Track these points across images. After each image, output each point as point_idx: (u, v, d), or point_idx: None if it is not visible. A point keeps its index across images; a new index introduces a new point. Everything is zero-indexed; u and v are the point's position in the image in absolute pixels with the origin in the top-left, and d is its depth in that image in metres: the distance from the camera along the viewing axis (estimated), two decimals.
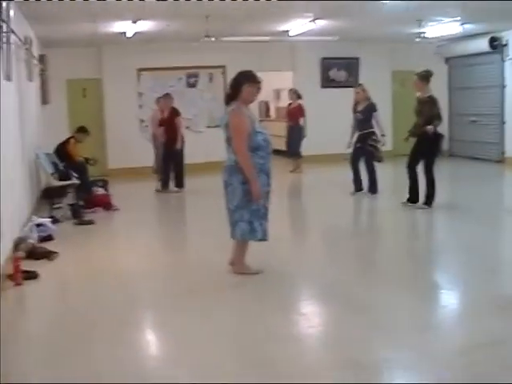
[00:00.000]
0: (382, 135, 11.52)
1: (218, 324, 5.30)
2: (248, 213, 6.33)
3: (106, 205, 10.76)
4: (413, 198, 10.04)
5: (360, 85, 12.28)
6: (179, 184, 12.83)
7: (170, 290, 6.34)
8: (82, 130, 11.88)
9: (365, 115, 11.52)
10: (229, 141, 6.33)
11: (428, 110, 9.74)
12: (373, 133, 11.48)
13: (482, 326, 5.10)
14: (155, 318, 5.69)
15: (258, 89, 6.44)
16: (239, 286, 6.34)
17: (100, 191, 11.15)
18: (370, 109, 11.53)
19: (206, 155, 15.07)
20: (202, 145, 15.25)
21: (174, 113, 12.80)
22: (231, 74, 6.67)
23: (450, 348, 4.69)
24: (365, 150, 11.55)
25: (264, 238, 6.49)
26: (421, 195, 9.97)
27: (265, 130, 6.54)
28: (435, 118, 9.73)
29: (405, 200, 10.12)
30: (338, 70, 17.62)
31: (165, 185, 12.83)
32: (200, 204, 11.31)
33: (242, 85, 6.31)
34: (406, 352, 4.64)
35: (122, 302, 5.93)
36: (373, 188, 11.61)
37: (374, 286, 6.31)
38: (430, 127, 9.57)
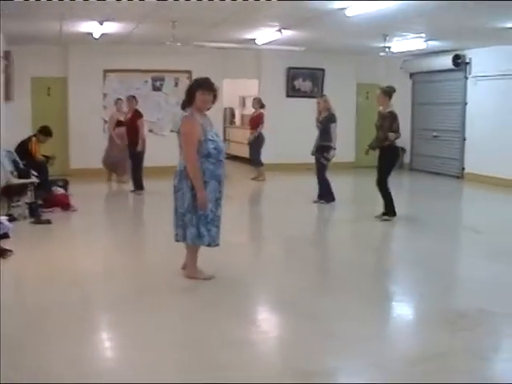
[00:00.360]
0: (333, 148, 11.60)
1: (170, 327, 5.31)
2: (196, 218, 6.35)
3: (65, 205, 10.69)
4: (392, 212, 10.18)
5: (322, 95, 12.37)
6: (137, 186, 12.83)
7: (124, 291, 6.31)
8: (45, 131, 11.84)
9: (323, 125, 11.63)
10: (181, 146, 6.37)
11: (388, 124, 9.88)
12: (329, 146, 11.57)
13: (432, 337, 5.18)
14: (108, 319, 5.66)
15: (214, 97, 6.46)
16: (192, 289, 6.34)
17: (59, 191, 11.07)
18: (329, 119, 11.63)
19: (168, 159, 14.94)
20: (165, 148, 15.13)
21: (137, 115, 12.82)
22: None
23: (398, 358, 4.75)
24: (318, 161, 11.69)
25: (212, 244, 6.50)
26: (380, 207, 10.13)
27: (218, 137, 6.56)
28: (395, 133, 9.89)
29: (379, 214, 10.23)
30: (304, 80, 17.73)
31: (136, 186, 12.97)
32: (158, 206, 11.25)
33: (196, 92, 6.35)
34: (355, 360, 4.70)
35: (76, 302, 5.90)
36: (327, 197, 11.73)
37: (328, 294, 6.37)
38: (391, 134, 9.73)
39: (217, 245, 6.55)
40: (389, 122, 9.88)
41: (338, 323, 5.50)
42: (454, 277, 7.46)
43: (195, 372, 4.44)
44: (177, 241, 6.59)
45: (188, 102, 6.40)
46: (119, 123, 13.87)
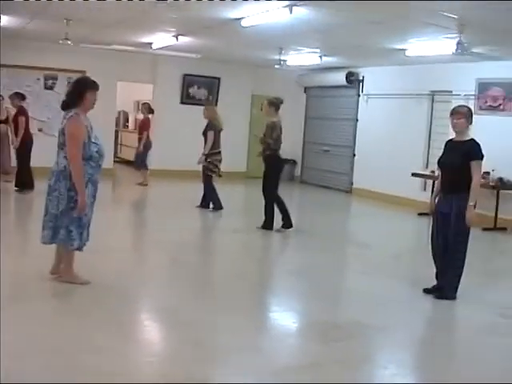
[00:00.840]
0: (204, 154, 11.71)
1: (37, 332, 5.13)
2: (68, 220, 6.21)
3: None
4: (287, 224, 10.23)
5: (210, 104, 12.47)
6: (22, 185, 12.51)
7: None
8: None
9: (204, 133, 11.75)
10: (61, 146, 6.22)
11: (268, 133, 10.06)
12: (214, 153, 11.68)
13: (304, 348, 5.24)
14: None
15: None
16: (65, 294, 6.20)
17: None
18: (207, 127, 11.81)
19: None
20: (56, 149, 14.76)
21: (19, 112, 12.58)
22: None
23: (269, 368, 4.74)
24: (204, 168, 11.81)
25: (81, 248, 6.39)
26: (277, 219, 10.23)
27: (99, 141, 6.42)
28: (273, 142, 10.08)
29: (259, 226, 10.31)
30: (199, 88, 17.67)
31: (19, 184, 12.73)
32: (40, 207, 10.92)
33: (86, 92, 6.27)
34: (224, 370, 4.67)
35: None
36: (215, 204, 11.85)
37: (203, 304, 6.31)
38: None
39: (82, 250, 6.42)
40: (269, 130, 10.06)
41: (209, 333, 5.46)
42: (334, 289, 7.54)
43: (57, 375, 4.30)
44: (43, 243, 6.40)
45: (74, 103, 6.25)
46: None
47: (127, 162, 18.85)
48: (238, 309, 6.24)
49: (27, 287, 6.41)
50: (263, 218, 10.28)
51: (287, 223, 10.19)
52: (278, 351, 5.21)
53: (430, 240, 7.14)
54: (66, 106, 6.30)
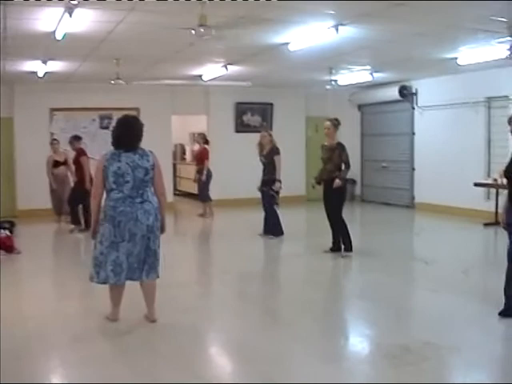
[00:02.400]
0: (278, 180, 11.56)
1: (106, 371, 5.13)
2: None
3: (8, 247, 10.44)
4: (338, 247, 10.11)
5: (266, 129, 12.42)
6: (88, 225, 12.64)
7: (64, 336, 6.11)
8: None
9: (268, 159, 11.60)
10: (148, 184, 6.28)
11: (337, 156, 9.87)
12: (275, 179, 11.55)
13: (377, 375, 5.11)
14: (43, 368, 5.45)
15: None
16: (128, 332, 6.21)
17: (3, 233, 10.79)
18: (273, 152, 11.60)
19: None
20: None
21: (80, 153, 12.76)
22: (145, 117, 6.61)
23: None
24: (266, 194, 11.66)
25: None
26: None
27: None
28: (345, 165, 9.90)
29: (327, 248, 10.19)
30: (252, 115, 17.74)
31: (75, 224, 12.85)
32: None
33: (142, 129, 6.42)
34: None
35: (14, 349, 5.68)
36: (275, 231, 11.69)
37: (271, 335, 6.23)
38: (337, 181, 9.71)
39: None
40: (338, 153, 9.88)
41: (280, 365, 5.36)
42: (401, 310, 7.37)
43: None
44: (146, 281, 6.47)
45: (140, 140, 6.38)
46: (56, 164, 13.75)
47: (187, 195, 18.96)
48: (307, 338, 6.15)
49: (96, 326, 6.41)
50: (328, 241, 10.14)
51: (349, 246, 10.04)
52: (352, 380, 5.09)
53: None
54: (137, 144, 6.33)
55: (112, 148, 6.32)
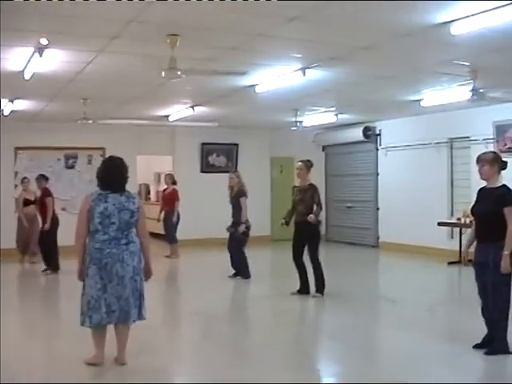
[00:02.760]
0: (242, 223, 11.58)
1: None
2: None
3: None
4: (305, 289, 10.06)
5: (235, 171, 12.45)
6: (49, 265, 12.56)
7: (33, 379, 6.01)
8: None
9: (234, 201, 11.67)
10: (132, 225, 6.24)
11: (309, 197, 9.86)
12: (240, 221, 11.58)
13: None
14: None
15: None
16: (97, 377, 6.12)
17: None
18: (239, 194, 11.66)
19: None
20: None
21: (45, 193, 12.69)
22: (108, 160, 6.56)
23: None
24: (234, 236, 11.69)
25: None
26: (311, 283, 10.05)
27: None
28: (317, 206, 9.87)
29: (295, 291, 10.09)
30: (218, 156, 17.84)
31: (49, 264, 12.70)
32: (71, 288, 10.90)
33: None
34: None
35: None
36: (245, 273, 11.67)
37: (240, 377, 6.15)
38: (311, 216, 9.69)
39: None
40: (310, 194, 9.86)
41: None
42: (370, 350, 7.41)
43: None
44: (130, 323, 6.39)
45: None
46: (27, 202, 13.65)
47: (151, 235, 18.83)
48: (277, 378, 6.13)
49: (63, 371, 6.33)
50: (295, 283, 10.12)
51: (321, 288, 9.99)
52: None
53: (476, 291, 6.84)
54: (123, 186, 6.31)
55: (97, 189, 6.29)
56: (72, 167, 16.30)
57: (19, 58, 8.26)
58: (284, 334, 8.06)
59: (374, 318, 9.20)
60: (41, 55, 7.70)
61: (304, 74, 9.15)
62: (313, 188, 9.96)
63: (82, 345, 6.65)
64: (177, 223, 14.95)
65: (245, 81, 10.02)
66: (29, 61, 8.26)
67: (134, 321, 6.33)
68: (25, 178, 14.14)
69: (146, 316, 6.43)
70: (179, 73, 7.44)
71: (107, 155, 14.82)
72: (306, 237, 9.91)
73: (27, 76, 9.00)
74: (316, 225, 9.94)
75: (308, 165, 10.11)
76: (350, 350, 7.12)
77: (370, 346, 7.56)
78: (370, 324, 8.62)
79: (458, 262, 13.04)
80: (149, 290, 9.49)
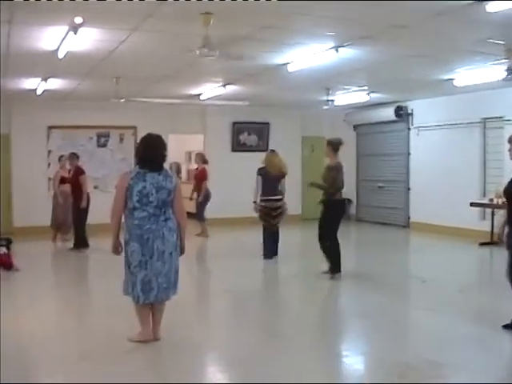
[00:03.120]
0: (253, 201, 11.68)
1: None
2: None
3: (7, 265, 10.45)
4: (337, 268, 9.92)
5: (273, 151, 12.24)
6: (80, 243, 12.67)
7: (67, 355, 6.10)
8: None
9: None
10: (170, 204, 6.29)
11: (326, 177, 9.78)
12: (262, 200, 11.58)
13: None
14: None
15: None
16: (134, 352, 6.19)
17: (1, 250, 10.79)
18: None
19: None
20: (110, 205, 14.81)
21: (78, 171, 12.77)
22: (142, 135, 6.58)
23: None
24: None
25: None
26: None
27: None
28: (337, 185, 9.77)
29: (325, 270, 10.00)
30: (249, 135, 17.85)
31: (77, 243, 12.79)
32: (103, 264, 11.05)
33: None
34: None
35: (16, 369, 5.69)
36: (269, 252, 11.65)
37: (271, 353, 6.25)
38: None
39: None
40: (326, 173, 9.80)
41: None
42: (401, 328, 7.44)
43: None
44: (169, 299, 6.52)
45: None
46: (63, 180, 13.72)
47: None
48: (309, 356, 6.20)
49: (101, 345, 6.41)
50: (325, 262, 10.06)
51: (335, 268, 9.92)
52: None
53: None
54: (162, 165, 6.36)
55: (136, 166, 6.41)
56: (104, 146, 16.41)
57: (53, 37, 8.30)
58: (315, 313, 8.15)
59: (405, 297, 9.25)
60: (75, 33, 7.76)
61: (337, 52, 9.10)
62: (329, 168, 9.88)
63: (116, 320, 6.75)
64: (206, 202, 14.96)
65: (277, 59, 10.00)
66: (63, 40, 8.30)
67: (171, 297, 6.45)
68: (62, 156, 14.23)
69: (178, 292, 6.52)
70: (213, 51, 7.43)
71: (139, 134, 15.17)
72: (323, 215, 9.89)
73: (61, 55, 9.06)
74: (336, 205, 9.89)
75: (330, 142, 10.01)
76: (381, 329, 7.16)
77: (401, 325, 7.58)
78: (400, 303, 8.66)
79: (490, 243, 12.99)
80: (185, 267, 9.57)
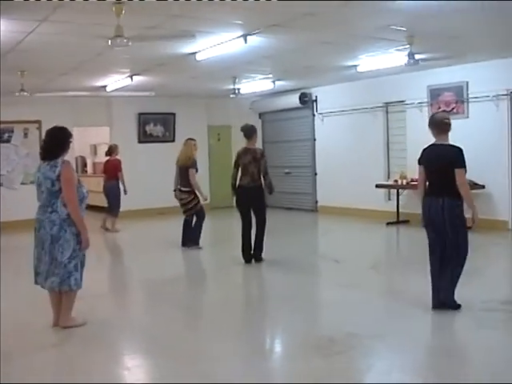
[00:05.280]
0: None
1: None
2: (79, 263, 6.44)
3: None
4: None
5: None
6: None
7: None
8: None
9: None
10: (57, 194, 6.30)
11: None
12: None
13: (308, 365, 5.34)
14: None
15: None
16: (61, 344, 6.21)
17: None
18: None
19: (21, 213, 14.39)
20: (18, 201, 14.57)
21: None
22: (46, 129, 6.68)
23: None
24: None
25: (81, 286, 6.59)
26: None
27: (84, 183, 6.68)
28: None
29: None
30: (155, 125, 17.82)
31: None
32: (17, 261, 10.90)
33: (69, 140, 6.54)
34: None
35: None
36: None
37: (195, 333, 6.47)
38: None
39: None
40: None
41: (208, 362, 5.51)
42: (320, 305, 7.76)
43: None
44: (51, 289, 6.49)
45: (58, 152, 6.40)
46: None
47: (89, 207, 18.65)
48: (231, 335, 6.38)
49: (25, 340, 6.36)
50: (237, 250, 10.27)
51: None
52: (283, 373, 5.34)
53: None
54: (51, 155, 6.40)
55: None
56: (7, 141, 16.01)
57: None
58: (235, 295, 8.30)
59: (321, 276, 9.59)
60: None
61: (246, 41, 9.24)
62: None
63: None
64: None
65: (186, 48, 10.04)
66: None
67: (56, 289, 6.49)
68: None
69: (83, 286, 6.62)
70: (125, 40, 7.43)
71: (43, 128, 14.93)
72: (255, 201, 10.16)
73: None
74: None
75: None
76: (301, 306, 7.41)
77: (319, 302, 7.95)
78: (316, 282, 9.06)
79: (396, 223, 13.49)
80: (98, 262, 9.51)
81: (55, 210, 6.34)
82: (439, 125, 6.78)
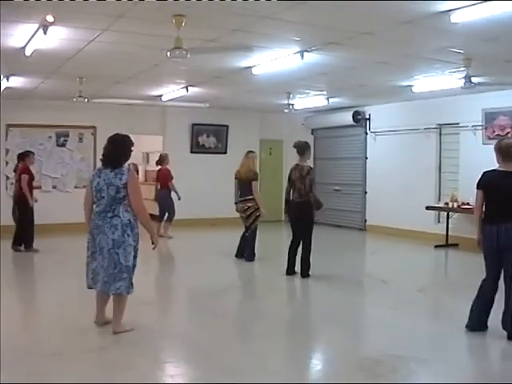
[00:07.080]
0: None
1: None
2: (132, 269, 6.57)
3: None
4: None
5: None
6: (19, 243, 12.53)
7: (41, 353, 6.11)
8: None
9: None
10: (121, 200, 6.42)
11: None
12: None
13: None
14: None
15: None
16: (105, 348, 6.26)
17: None
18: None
19: (74, 215, 14.53)
20: (70, 205, 14.74)
21: (22, 170, 12.46)
22: (101, 135, 6.79)
23: None
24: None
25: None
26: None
27: None
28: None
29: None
30: (208, 137, 17.94)
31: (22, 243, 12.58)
32: (62, 264, 11.07)
33: (131, 148, 6.69)
34: None
35: None
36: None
37: (241, 348, 6.45)
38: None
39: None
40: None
41: (255, 377, 5.50)
42: (367, 326, 7.66)
43: None
44: (118, 293, 6.56)
45: (122, 159, 6.54)
46: None
47: None
48: (275, 350, 6.37)
49: (71, 341, 6.43)
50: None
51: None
52: None
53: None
54: (115, 163, 6.50)
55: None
56: (63, 145, 16.29)
57: (22, 34, 8.28)
58: (283, 311, 8.28)
59: (368, 296, 9.42)
60: (45, 32, 7.74)
61: (302, 58, 9.29)
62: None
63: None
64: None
65: (243, 62, 10.14)
66: (31, 37, 8.30)
67: (127, 292, 6.60)
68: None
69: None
70: (184, 52, 7.53)
71: (98, 134, 15.21)
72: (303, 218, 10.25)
73: (28, 52, 9.03)
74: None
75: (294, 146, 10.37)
76: (348, 326, 7.37)
77: (367, 323, 7.82)
78: (363, 302, 8.92)
79: (445, 246, 13.34)
80: (149, 270, 9.58)
81: (117, 215, 6.44)
82: (506, 151, 6.64)
